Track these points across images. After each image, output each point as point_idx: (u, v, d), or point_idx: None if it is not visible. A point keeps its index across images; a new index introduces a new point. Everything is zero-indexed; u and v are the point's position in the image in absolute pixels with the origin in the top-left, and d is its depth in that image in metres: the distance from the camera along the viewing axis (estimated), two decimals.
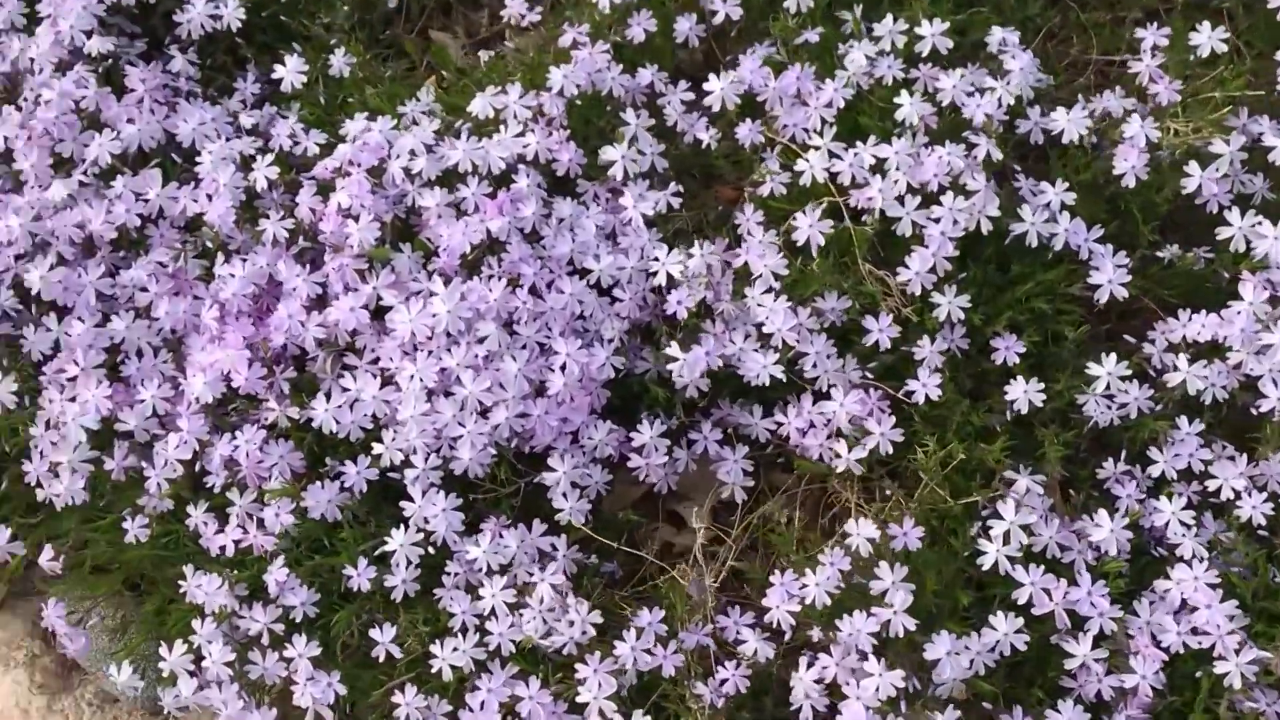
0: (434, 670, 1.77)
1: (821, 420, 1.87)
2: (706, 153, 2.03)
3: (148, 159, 2.05)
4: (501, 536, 1.83)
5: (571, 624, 1.74)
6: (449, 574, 1.82)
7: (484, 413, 1.84)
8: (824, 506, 1.98)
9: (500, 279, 1.87)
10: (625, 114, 1.99)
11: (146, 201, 1.99)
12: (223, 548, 1.85)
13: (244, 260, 1.93)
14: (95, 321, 1.93)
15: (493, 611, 1.77)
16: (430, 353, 1.85)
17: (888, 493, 1.82)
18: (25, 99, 2.06)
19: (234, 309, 1.92)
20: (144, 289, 1.95)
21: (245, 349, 1.86)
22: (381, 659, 1.79)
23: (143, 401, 1.89)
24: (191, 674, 1.83)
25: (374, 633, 1.78)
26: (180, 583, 1.86)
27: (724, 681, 1.71)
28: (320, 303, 1.93)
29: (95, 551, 1.96)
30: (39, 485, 1.92)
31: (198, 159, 2.03)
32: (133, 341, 1.94)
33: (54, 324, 1.94)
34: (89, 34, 2.10)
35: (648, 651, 1.72)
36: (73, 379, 1.90)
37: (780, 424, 1.90)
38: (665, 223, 1.97)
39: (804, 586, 1.71)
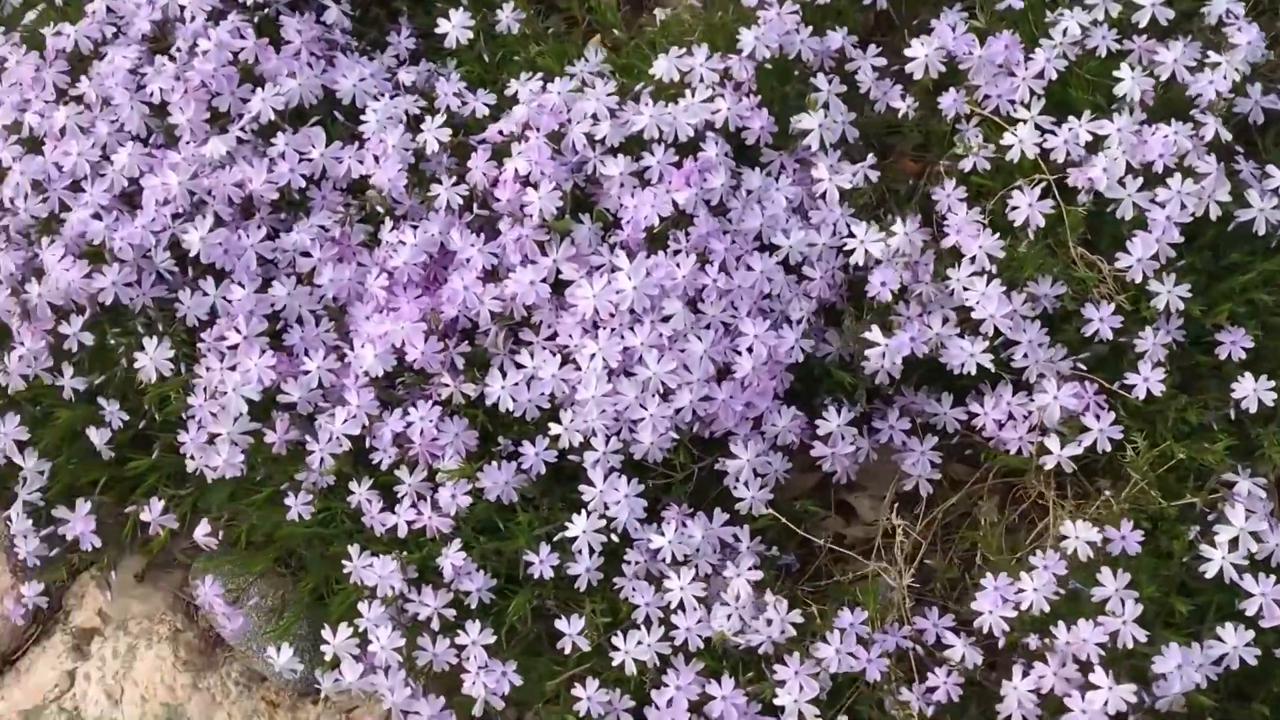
0: (614, 663, 1.69)
1: (1023, 412, 1.76)
2: (896, 122, 1.91)
3: (304, 116, 1.94)
4: (685, 526, 1.74)
5: (769, 623, 1.65)
6: (629, 563, 1.73)
7: (666, 395, 1.75)
8: (1010, 502, 1.88)
9: (689, 254, 1.77)
10: (816, 79, 1.87)
11: (310, 161, 1.88)
12: (392, 528, 1.77)
13: (414, 227, 1.83)
14: (255, 287, 1.84)
15: (680, 604, 1.69)
16: (612, 331, 1.75)
17: (1105, 493, 1.71)
18: (178, 49, 1.95)
19: (404, 278, 1.82)
20: (306, 254, 1.86)
21: (421, 321, 1.77)
22: (560, 649, 1.71)
23: (308, 372, 1.80)
24: (356, 658, 1.76)
25: (560, 623, 1.70)
26: (344, 563, 1.78)
27: (933, 689, 1.62)
28: (491, 275, 1.83)
29: (247, 526, 1.88)
30: (191, 456, 1.83)
31: (361, 117, 1.92)
32: (294, 309, 1.84)
33: (211, 288, 1.84)
34: None
35: (851, 654, 1.63)
36: (234, 347, 1.81)
37: (974, 415, 1.80)
38: (854, 197, 1.86)
39: (1020, 591, 1.62)
